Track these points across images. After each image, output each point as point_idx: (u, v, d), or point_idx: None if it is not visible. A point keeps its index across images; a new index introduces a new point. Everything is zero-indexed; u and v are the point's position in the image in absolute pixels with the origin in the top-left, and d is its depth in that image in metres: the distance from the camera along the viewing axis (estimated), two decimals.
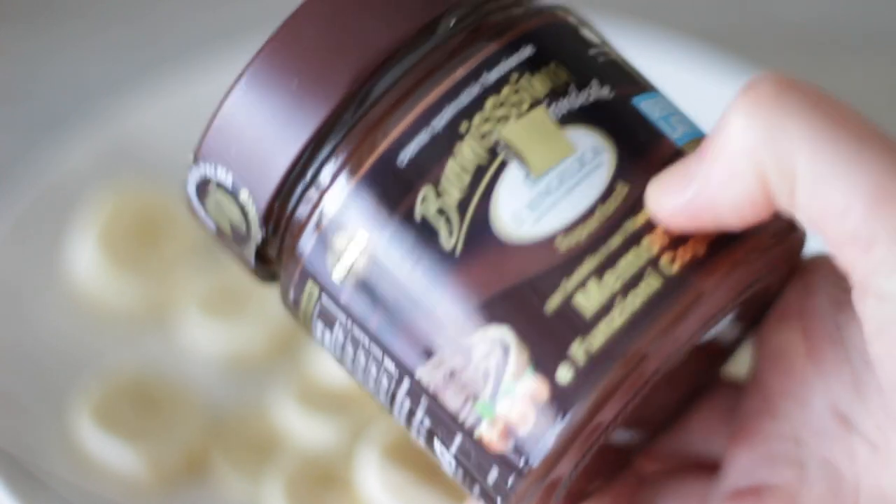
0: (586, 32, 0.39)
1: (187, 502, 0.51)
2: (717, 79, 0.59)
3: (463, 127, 0.37)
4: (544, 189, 0.37)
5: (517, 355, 0.36)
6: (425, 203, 0.37)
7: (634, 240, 0.36)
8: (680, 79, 0.59)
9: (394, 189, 0.37)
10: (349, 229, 0.38)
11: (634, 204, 0.36)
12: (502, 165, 0.37)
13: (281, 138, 0.38)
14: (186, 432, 0.51)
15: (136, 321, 0.55)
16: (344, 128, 0.38)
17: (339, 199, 0.38)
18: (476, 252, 0.37)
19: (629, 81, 0.39)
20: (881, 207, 0.34)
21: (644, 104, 0.38)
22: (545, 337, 0.36)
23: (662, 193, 0.36)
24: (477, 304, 0.36)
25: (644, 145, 0.37)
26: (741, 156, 0.35)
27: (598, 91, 0.38)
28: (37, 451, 0.50)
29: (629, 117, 0.38)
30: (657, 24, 0.64)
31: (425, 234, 0.37)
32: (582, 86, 0.38)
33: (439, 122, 0.37)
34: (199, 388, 0.53)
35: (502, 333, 0.36)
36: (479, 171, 0.37)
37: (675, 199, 0.36)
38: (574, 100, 0.38)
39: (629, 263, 0.36)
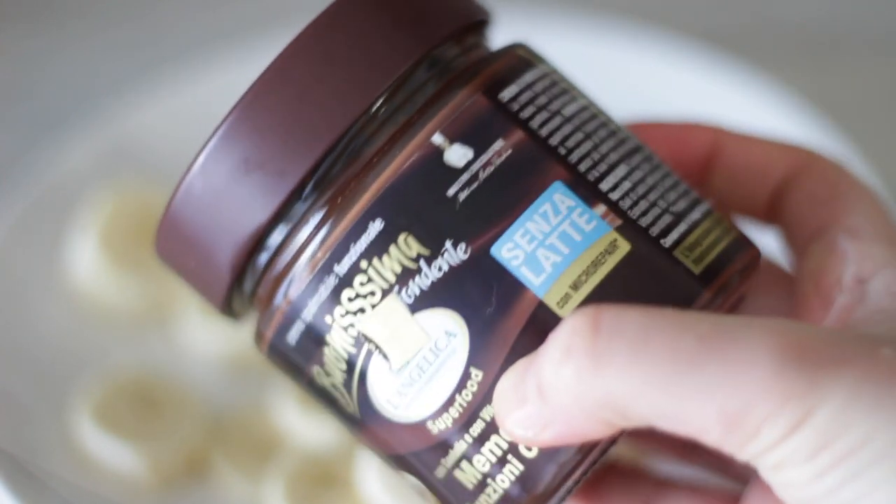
0: (453, 155, 0.38)
1: (187, 502, 0.51)
2: (717, 79, 0.59)
3: (328, 320, 0.38)
4: (407, 379, 0.38)
5: (433, 498, 0.39)
6: (319, 378, 0.39)
7: (493, 428, 0.37)
8: (680, 79, 0.59)
9: (294, 361, 0.40)
10: (283, 372, 0.41)
11: (488, 392, 0.37)
12: (369, 355, 0.38)
13: (209, 275, 0.40)
14: (186, 432, 0.51)
15: (136, 321, 0.55)
16: (243, 302, 0.41)
17: (265, 351, 0.40)
18: (371, 420, 0.39)
19: (496, 216, 0.37)
20: (734, 433, 0.34)
21: (506, 248, 0.37)
22: (445, 495, 0.39)
23: (504, 413, 0.37)
24: (387, 457, 0.39)
25: (499, 313, 0.37)
26: (580, 413, 0.35)
27: (451, 256, 0.37)
28: (37, 451, 0.50)
29: (484, 280, 0.37)
30: (657, 24, 0.64)
31: (329, 398, 0.39)
32: (433, 256, 0.37)
33: (307, 314, 0.38)
34: (200, 389, 0.53)
35: (415, 481, 0.39)
36: (351, 359, 0.38)
37: (518, 428, 0.36)
38: (424, 278, 0.37)
39: (491, 450, 0.38)
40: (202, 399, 0.52)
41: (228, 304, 0.41)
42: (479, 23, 0.40)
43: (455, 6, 0.39)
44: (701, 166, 0.42)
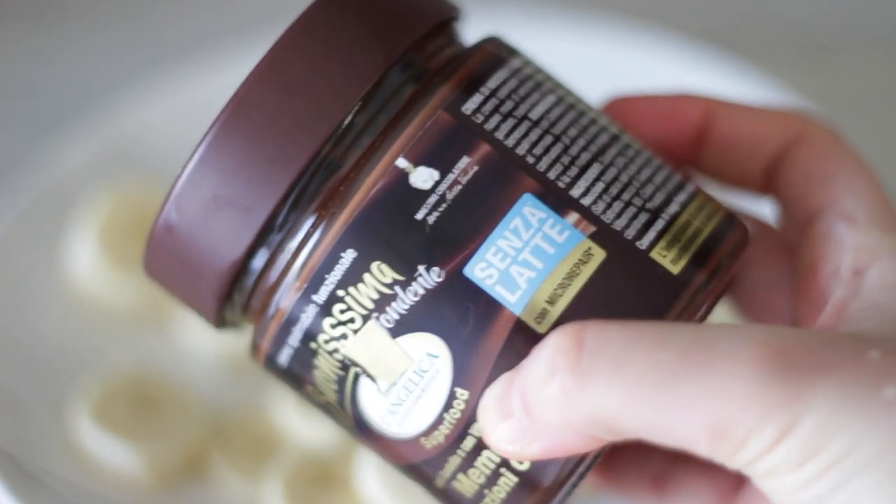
0: (419, 178, 0.37)
1: (187, 502, 0.51)
2: (716, 78, 0.59)
3: (313, 345, 0.38)
4: (396, 399, 0.38)
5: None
6: (314, 397, 0.39)
7: (483, 443, 0.37)
8: (680, 79, 0.59)
9: (288, 379, 0.40)
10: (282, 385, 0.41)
11: (475, 410, 0.37)
12: (357, 377, 0.38)
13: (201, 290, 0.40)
14: (186, 432, 0.51)
15: (135, 321, 0.55)
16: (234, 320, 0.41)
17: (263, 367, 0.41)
18: (368, 435, 0.39)
19: (467, 236, 0.37)
20: (721, 445, 0.34)
21: (479, 268, 0.37)
22: (446, 502, 0.39)
23: (490, 428, 0.37)
24: (390, 465, 0.40)
25: (478, 332, 0.37)
26: (566, 429, 0.35)
27: (425, 280, 0.37)
28: (37, 451, 0.50)
29: (460, 302, 0.37)
30: (657, 24, 0.64)
31: (328, 412, 0.40)
32: (408, 282, 0.37)
33: (294, 340, 0.38)
34: (199, 388, 0.53)
35: (421, 488, 0.40)
36: (341, 381, 0.38)
37: (504, 443, 0.37)
38: (401, 303, 0.37)
39: (484, 464, 0.38)
40: (201, 398, 0.52)
41: (222, 322, 0.41)
42: (442, 24, 0.39)
43: (413, 16, 0.38)
44: (692, 139, 0.42)
